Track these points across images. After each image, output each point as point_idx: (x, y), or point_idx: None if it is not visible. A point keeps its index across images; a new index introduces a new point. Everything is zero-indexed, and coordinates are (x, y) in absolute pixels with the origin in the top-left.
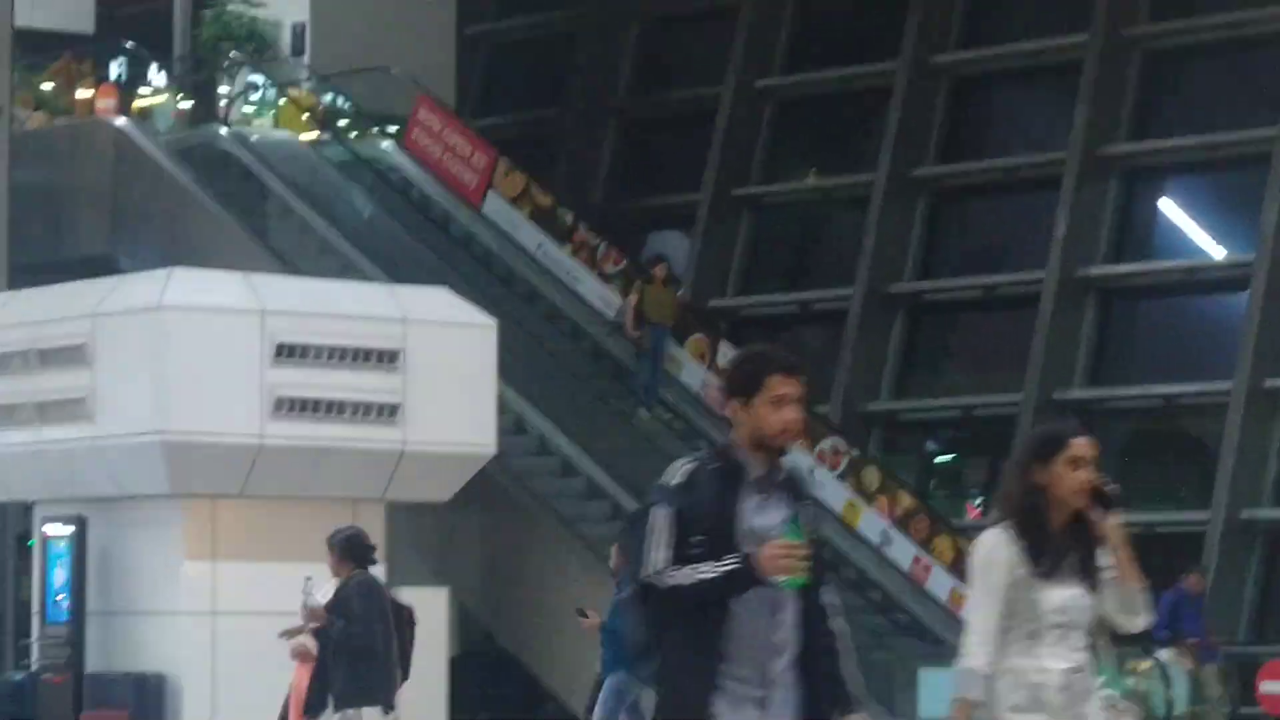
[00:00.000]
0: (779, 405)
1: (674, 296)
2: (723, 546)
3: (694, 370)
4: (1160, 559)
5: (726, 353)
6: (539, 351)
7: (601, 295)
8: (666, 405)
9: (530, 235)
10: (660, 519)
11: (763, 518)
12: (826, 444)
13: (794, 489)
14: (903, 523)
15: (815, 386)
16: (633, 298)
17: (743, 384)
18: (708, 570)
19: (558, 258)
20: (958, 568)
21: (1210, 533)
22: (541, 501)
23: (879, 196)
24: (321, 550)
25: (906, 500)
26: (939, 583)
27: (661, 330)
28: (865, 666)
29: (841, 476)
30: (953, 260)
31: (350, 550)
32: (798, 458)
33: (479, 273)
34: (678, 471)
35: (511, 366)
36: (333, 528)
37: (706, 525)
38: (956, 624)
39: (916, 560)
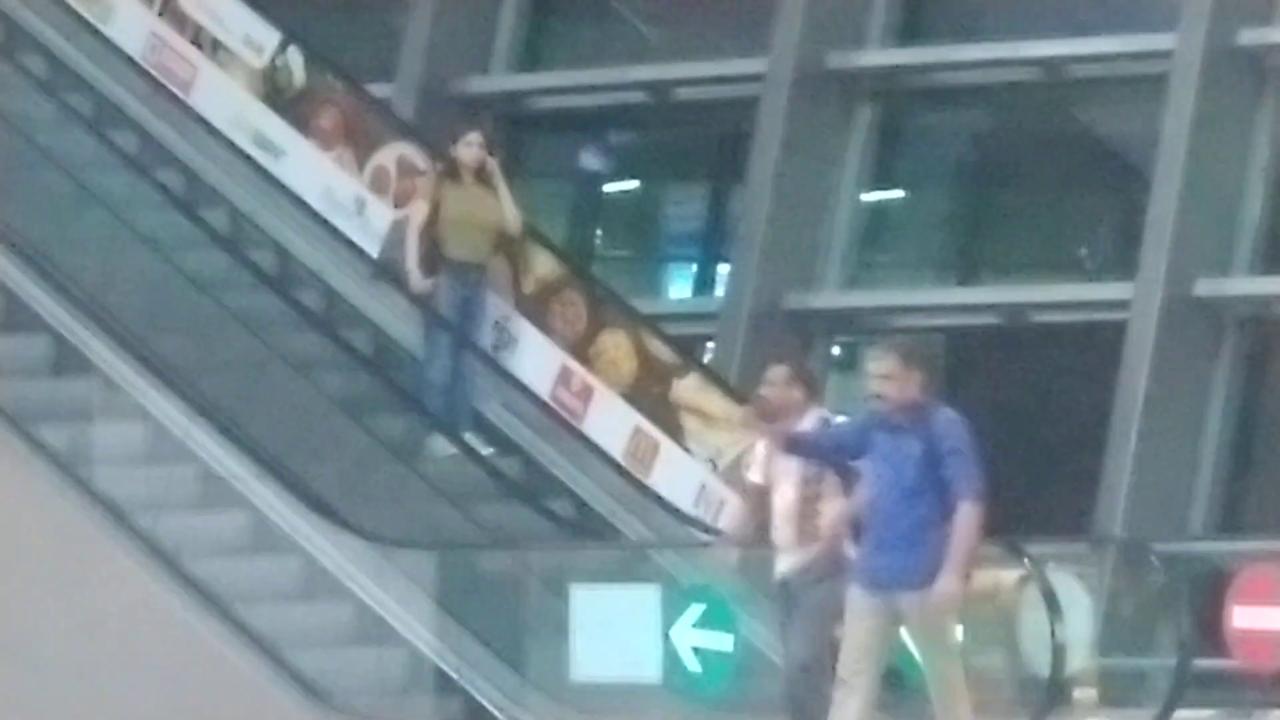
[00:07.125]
0: None
1: (501, 203)
2: None
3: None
4: None
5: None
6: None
7: None
8: (484, 429)
9: None
10: None
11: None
12: (388, 155)
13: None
14: (537, 307)
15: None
16: (418, 209)
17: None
18: None
19: None
20: (650, 391)
21: None
22: None
23: None
24: None
25: (545, 262)
26: (605, 419)
27: (478, 277)
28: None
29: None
30: None
31: None
32: None
33: None
34: None
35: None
36: None
37: None
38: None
39: (565, 375)
